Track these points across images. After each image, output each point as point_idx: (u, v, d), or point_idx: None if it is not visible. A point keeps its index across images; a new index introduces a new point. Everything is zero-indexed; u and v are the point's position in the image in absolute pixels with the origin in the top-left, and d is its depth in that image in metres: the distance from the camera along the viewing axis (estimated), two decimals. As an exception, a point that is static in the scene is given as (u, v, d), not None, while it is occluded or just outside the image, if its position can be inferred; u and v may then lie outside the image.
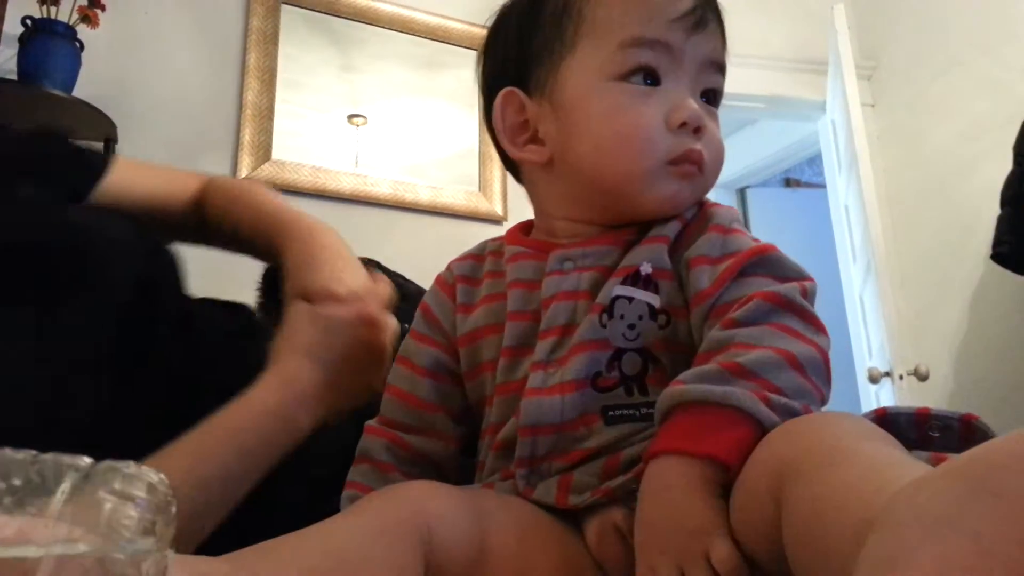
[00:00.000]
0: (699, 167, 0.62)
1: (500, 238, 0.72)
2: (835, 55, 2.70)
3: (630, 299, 0.59)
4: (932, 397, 2.59)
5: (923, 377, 2.44)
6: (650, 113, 0.61)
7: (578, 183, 0.65)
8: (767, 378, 0.50)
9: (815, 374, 0.52)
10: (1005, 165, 2.21)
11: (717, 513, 0.48)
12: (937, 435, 0.55)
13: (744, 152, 3.89)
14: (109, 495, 0.26)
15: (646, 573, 0.48)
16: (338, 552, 0.45)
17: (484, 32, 0.74)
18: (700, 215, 0.64)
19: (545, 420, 0.58)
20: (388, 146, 2.56)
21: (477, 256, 0.72)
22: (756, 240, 0.61)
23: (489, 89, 0.70)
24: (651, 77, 0.62)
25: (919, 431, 0.56)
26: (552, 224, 0.68)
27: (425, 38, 2.70)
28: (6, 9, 2.05)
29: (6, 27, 2.06)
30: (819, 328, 0.55)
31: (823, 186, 3.27)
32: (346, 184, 2.52)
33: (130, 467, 0.29)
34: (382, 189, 2.49)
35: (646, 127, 0.61)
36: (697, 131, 0.62)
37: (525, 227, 0.71)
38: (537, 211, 0.71)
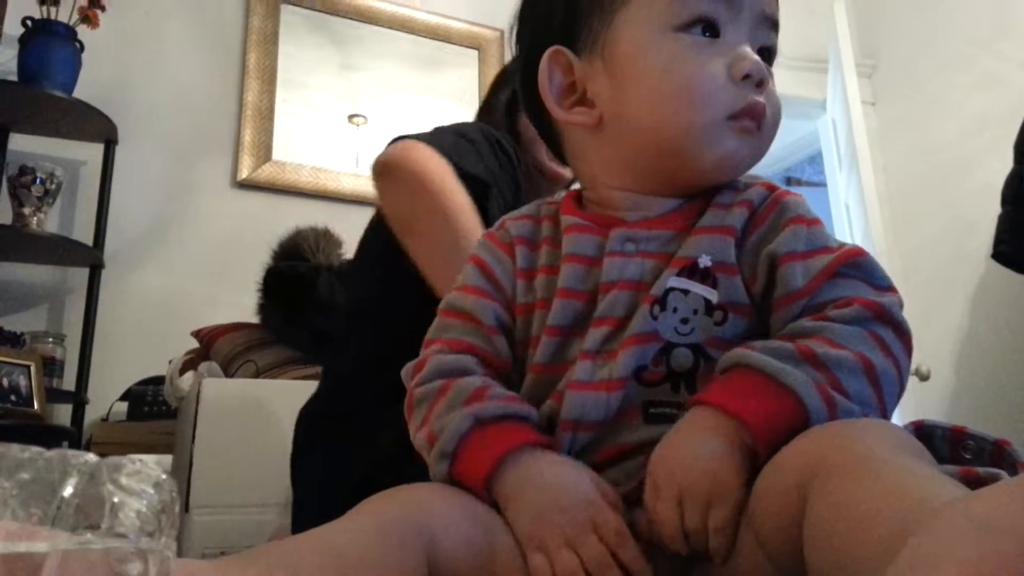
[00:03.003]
0: (758, 124, 0.60)
1: (556, 201, 0.68)
2: (835, 53, 2.70)
3: (685, 292, 0.56)
4: (934, 397, 2.59)
5: (924, 377, 2.44)
6: (712, 64, 0.59)
7: (632, 144, 0.62)
8: (837, 375, 0.49)
9: (886, 389, 0.51)
10: (1006, 162, 2.21)
11: (739, 474, 0.48)
12: (969, 457, 0.54)
13: (744, 151, 3.89)
14: (116, 490, 0.26)
15: (652, 494, 0.49)
16: (334, 553, 0.44)
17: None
18: (770, 203, 0.60)
19: (589, 417, 0.55)
20: (388, 146, 2.57)
21: (534, 217, 0.67)
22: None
23: (530, 50, 0.67)
24: (709, 29, 0.60)
25: (952, 448, 0.55)
26: (605, 194, 0.64)
27: (425, 37, 2.69)
28: (6, 10, 2.05)
29: (6, 28, 2.06)
30: (908, 348, 0.53)
31: (823, 184, 3.27)
32: (346, 184, 2.52)
33: (136, 463, 0.29)
34: (383, 189, 2.49)
35: (708, 79, 0.58)
36: (759, 85, 0.60)
37: (578, 196, 0.67)
38: (587, 181, 0.67)
